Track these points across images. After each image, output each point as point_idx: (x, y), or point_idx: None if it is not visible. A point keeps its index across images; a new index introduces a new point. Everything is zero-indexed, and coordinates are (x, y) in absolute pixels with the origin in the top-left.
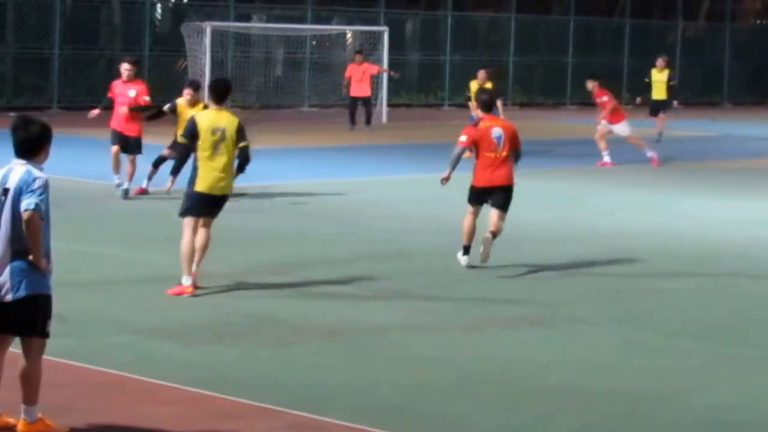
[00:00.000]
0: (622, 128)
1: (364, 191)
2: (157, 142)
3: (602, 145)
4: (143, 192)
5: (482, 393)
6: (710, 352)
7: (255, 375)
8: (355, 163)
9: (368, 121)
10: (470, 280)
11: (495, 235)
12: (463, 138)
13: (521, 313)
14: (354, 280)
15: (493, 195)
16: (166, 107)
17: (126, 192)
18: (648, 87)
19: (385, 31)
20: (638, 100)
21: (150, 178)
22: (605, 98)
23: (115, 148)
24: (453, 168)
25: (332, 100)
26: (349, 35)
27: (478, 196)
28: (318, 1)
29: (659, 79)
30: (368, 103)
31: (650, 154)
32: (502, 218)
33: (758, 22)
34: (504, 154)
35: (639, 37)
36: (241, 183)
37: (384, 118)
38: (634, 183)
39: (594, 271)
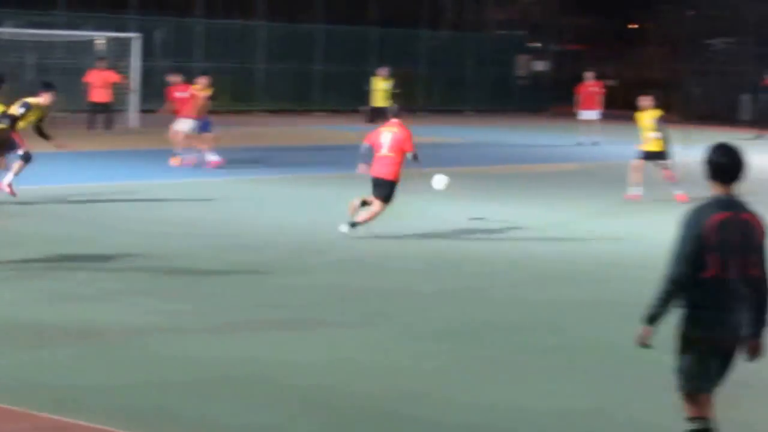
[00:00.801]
0: (183, 125)
1: (117, 195)
2: None
3: (194, 144)
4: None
5: (231, 393)
6: (453, 353)
7: (7, 377)
8: (106, 168)
9: (108, 126)
10: (221, 283)
11: (367, 203)
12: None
13: (270, 316)
14: (108, 282)
15: (379, 186)
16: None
17: None
18: (369, 94)
19: (136, 37)
20: (363, 108)
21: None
22: (185, 94)
23: None
24: (362, 161)
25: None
26: (100, 41)
27: (372, 186)
28: (70, 7)
29: (381, 87)
30: (108, 109)
31: (210, 158)
32: (380, 206)
33: (500, 32)
34: (389, 154)
35: (385, 45)
36: None
37: (135, 123)
38: None
39: (341, 275)
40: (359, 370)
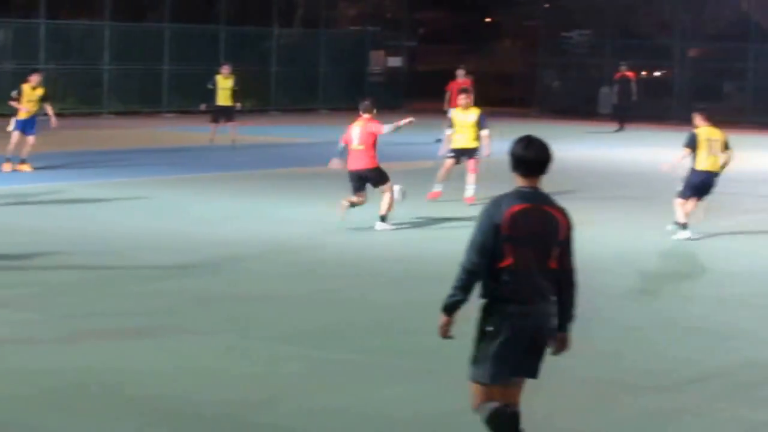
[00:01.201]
0: None
1: None
2: None
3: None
4: None
5: (81, 404)
6: (310, 357)
7: None
8: None
9: None
10: (70, 291)
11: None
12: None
13: (121, 324)
14: None
15: (365, 179)
16: None
17: None
18: (212, 93)
19: None
20: (203, 106)
21: None
22: None
23: None
24: (339, 158)
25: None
26: None
27: (352, 181)
28: None
29: (225, 86)
30: None
31: None
32: (386, 190)
33: (353, 28)
34: (359, 147)
35: (235, 44)
36: None
37: None
38: (234, 191)
39: (196, 280)
40: (212, 378)
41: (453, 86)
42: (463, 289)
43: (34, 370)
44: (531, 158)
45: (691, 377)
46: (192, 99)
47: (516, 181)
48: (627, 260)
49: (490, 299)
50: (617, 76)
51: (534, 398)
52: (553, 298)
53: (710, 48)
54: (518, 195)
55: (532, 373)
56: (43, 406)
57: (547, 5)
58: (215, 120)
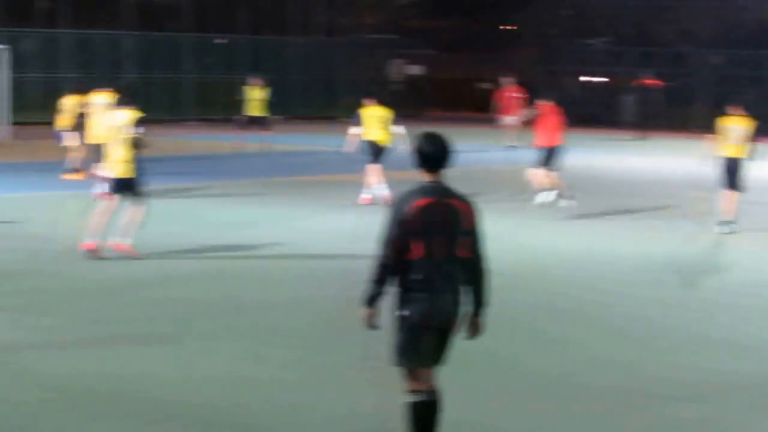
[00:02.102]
0: None
1: None
2: None
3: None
4: None
5: (106, 412)
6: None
7: None
8: None
9: None
10: (93, 299)
11: None
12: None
13: (147, 330)
14: None
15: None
16: None
17: None
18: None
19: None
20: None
21: None
22: None
23: None
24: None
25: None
26: None
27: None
28: None
29: (256, 96)
30: None
31: None
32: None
33: (373, 36)
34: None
35: (258, 53)
36: None
37: (7, 136)
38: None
39: (219, 287)
40: (233, 384)
41: (502, 94)
42: (377, 282)
43: (58, 376)
44: (433, 154)
45: (717, 388)
46: (215, 107)
47: (421, 177)
48: (644, 270)
49: (402, 289)
50: (636, 83)
51: (546, 410)
52: (464, 286)
53: None
54: (422, 190)
55: (439, 361)
56: (68, 413)
57: (571, 12)
58: (244, 128)
